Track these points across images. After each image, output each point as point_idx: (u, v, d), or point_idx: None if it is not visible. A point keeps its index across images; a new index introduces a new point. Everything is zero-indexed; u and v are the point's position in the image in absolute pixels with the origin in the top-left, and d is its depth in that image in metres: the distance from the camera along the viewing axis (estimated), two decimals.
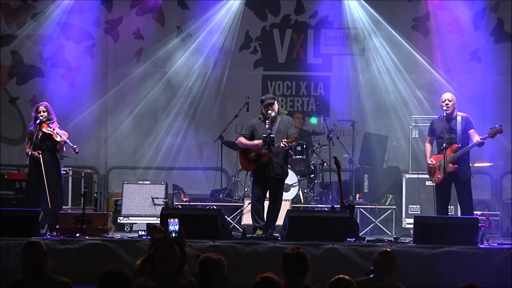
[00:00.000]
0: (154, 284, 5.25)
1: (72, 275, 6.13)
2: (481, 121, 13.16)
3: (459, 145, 9.42)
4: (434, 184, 9.69)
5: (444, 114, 9.40)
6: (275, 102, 9.59)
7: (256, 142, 9.45)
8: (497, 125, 9.34)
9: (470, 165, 9.90)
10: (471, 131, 9.52)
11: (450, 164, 9.31)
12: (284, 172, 9.61)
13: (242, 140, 9.64)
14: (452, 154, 9.31)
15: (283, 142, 9.29)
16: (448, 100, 9.49)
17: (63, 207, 10.24)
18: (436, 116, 9.80)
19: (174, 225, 6.54)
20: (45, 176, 9.57)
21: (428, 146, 9.75)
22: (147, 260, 5.44)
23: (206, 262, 4.97)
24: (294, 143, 9.56)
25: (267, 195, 9.52)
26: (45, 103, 10.11)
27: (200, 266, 4.96)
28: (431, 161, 9.52)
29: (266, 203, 9.55)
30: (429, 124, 9.92)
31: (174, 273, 5.19)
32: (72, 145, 9.71)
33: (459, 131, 9.46)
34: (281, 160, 9.55)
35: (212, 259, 4.99)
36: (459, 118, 9.52)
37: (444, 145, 9.29)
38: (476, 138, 9.39)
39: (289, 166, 11.49)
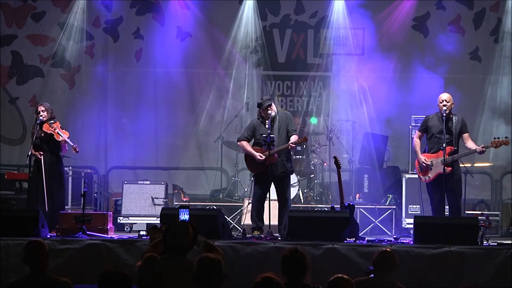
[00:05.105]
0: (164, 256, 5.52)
1: (72, 275, 6.15)
2: (481, 121, 13.25)
3: (455, 148, 9.46)
4: (425, 182, 9.71)
5: (444, 114, 9.41)
6: (272, 102, 9.62)
7: (258, 156, 9.46)
8: (504, 137, 9.37)
9: (470, 165, 9.86)
10: (466, 135, 9.57)
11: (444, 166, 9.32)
12: (287, 170, 9.62)
13: (245, 146, 9.66)
14: (447, 157, 9.32)
15: (290, 145, 9.35)
16: (446, 100, 9.51)
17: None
18: (431, 114, 9.81)
19: (184, 214, 6.72)
20: (44, 177, 9.58)
21: (418, 141, 9.78)
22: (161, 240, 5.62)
23: (203, 261, 4.99)
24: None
25: (270, 196, 9.50)
26: (46, 103, 10.11)
27: (197, 266, 4.98)
28: (425, 160, 9.54)
29: (266, 204, 9.54)
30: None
31: (185, 249, 5.40)
32: (72, 144, 9.72)
33: (455, 133, 9.49)
34: (284, 158, 9.57)
35: (209, 258, 5.01)
36: (454, 119, 9.54)
37: (443, 145, 9.31)
38: (470, 143, 9.49)
39: None
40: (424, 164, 9.55)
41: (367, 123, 13.13)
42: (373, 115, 13.09)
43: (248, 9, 13.55)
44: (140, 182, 11.70)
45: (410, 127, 11.72)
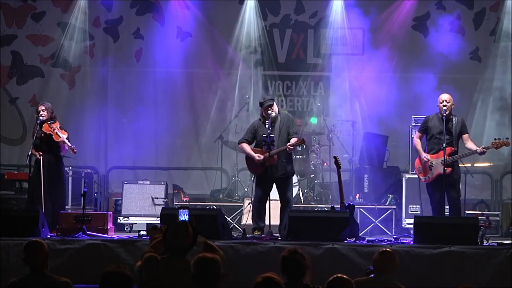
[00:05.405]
0: (164, 256, 5.54)
1: (72, 275, 6.14)
2: (481, 121, 13.26)
3: (455, 149, 9.46)
4: (425, 183, 9.72)
5: (444, 115, 9.41)
6: (274, 102, 9.62)
7: (256, 157, 9.47)
8: (504, 138, 9.38)
9: (470, 165, 9.82)
10: (465, 136, 9.56)
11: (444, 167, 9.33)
12: (287, 172, 9.63)
13: (245, 147, 9.69)
14: (447, 157, 9.32)
15: (288, 147, 9.35)
16: (446, 101, 9.50)
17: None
18: (431, 115, 9.81)
19: (184, 215, 6.74)
20: (43, 177, 9.58)
21: (418, 141, 9.78)
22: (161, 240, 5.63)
23: (200, 261, 4.99)
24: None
25: (272, 197, 9.51)
26: (47, 103, 10.10)
27: (194, 266, 4.99)
28: (427, 156, 9.53)
29: (267, 205, 9.54)
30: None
31: (185, 249, 5.41)
32: (70, 145, 9.70)
33: (455, 134, 9.49)
34: (283, 160, 9.57)
35: (206, 258, 5.01)
36: (454, 120, 9.54)
37: (443, 145, 9.31)
38: (470, 144, 9.49)
39: None
40: (426, 159, 9.54)
41: (367, 123, 13.13)
42: (373, 115, 13.07)
43: (250, 9, 13.55)
44: (140, 182, 11.70)
45: (410, 127, 11.71)
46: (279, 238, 8.80)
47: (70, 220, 9.26)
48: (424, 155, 9.58)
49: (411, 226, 9.51)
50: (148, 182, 11.63)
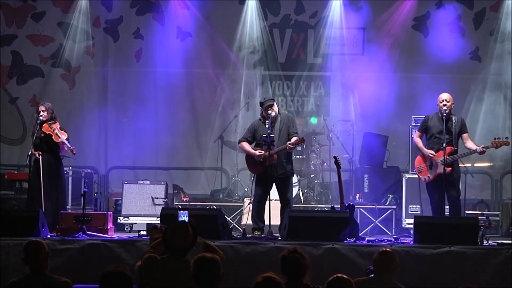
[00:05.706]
0: (164, 256, 5.56)
1: (72, 275, 6.14)
2: (481, 121, 13.25)
3: (455, 148, 9.46)
4: (425, 182, 9.72)
5: (444, 114, 9.41)
6: (275, 102, 9.63)
7: (257, 153, 9.49)
8: (504, 138, 9.38)
9: (470, 165, 9.80)
10: (465, 135, 9.57)
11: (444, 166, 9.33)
12: (287, 172, 9.63)
13: (245, 146, 9.69)
14: (447, 157, 9.32)
15: (288, 145, 9.35)
16: (446, 100, 9.51)
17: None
18: (430, 114, 9.81)
19: (184, 217, 6.77)
20: (42, 177, 9.58)
21: (419, 140, 9.79)
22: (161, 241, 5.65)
23: (200, 261, 5.00)
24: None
25: (270, 196, 9.51)
26: (48, 103, 10.10)
27: (194, 266, 4.99)
28: (432, 153, 9.52)
29: (267, 204, 9.54)
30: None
31: (185, 249, 5.41)
32: (69, 146, 9.69)
33: (455, 134, 9.49)
34: (283, 160, 9.57)
35: (206, 258, 5.01)
36: (454, 119, 9.54)
37: (444, 145, 9.31)
38: (470, 143, 9.49)
39: None
40: (431, 155, 9.52)
41: (367, 123, 13.13)
42: (372, 115, 13.08)
43: (251, 10, 13.54)
44: (140, 182, 11.69)
45: (410, 127, 11.70)
46: (279, 238, 8.80)
47: (70, 220, 9.27)
48: (428, 151, 9.57)
49: (411, 226, 9.51)
50: (148, 182, 11.63)
